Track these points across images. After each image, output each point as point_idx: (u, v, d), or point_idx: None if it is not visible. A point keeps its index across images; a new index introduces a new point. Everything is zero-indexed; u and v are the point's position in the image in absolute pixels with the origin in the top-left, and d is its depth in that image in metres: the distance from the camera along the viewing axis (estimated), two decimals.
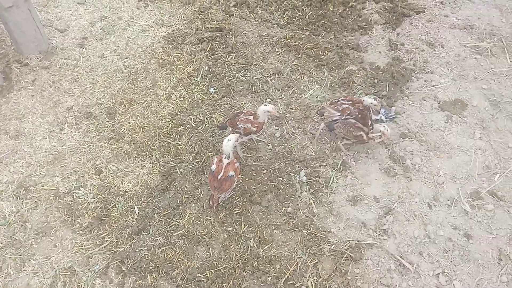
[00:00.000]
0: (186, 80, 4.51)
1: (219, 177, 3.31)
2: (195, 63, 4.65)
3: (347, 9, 5.09)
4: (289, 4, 5.20)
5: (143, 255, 3.33)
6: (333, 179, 3.75)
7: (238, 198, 3.65)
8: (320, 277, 3.21)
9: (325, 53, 4.72)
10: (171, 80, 4.50)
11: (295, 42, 4.82)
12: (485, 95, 4.28)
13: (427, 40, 4.73)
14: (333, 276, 3.22)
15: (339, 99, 3.91)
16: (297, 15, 5.10)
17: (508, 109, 4.15)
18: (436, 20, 4.92)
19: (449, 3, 5.12)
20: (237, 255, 3.33)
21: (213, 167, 3.35)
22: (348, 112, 3.74)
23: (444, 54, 4.61)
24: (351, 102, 3.80)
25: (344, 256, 3.31)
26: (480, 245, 3.36)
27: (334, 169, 3.82)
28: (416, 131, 4.02)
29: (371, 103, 3.70)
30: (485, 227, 3.45)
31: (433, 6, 5.09)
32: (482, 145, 3.92)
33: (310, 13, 5.10)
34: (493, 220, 3.48)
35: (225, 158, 3.35)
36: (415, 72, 4.46)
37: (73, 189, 3.71)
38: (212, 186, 3.35)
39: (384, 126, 3.63)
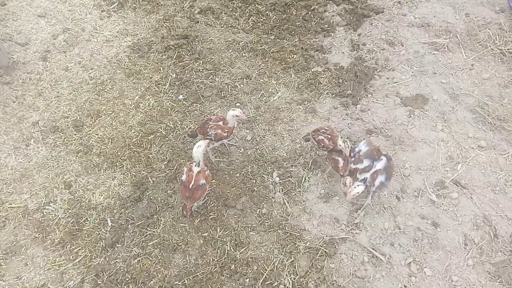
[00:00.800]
0: (154, 88, 4.49)
1: (190, 186, 3.31)
2: (162, 71, 4.65)
3: (310, 12, 5.23)
4: (253, 10, 5.29)
5: (118, 267, 3.28)
6: (305, 178, 3.83)
7: (212, 203, 3.67)
8: (297, 275, 3.27)
9: (291, 56, 4.82)
10: (139, 89, 4.48)
11: (261, 46, 4.90)
12: (444, 89, 4.49)
13: (387, 39, 4.92)
14: (310, 272, 3.29)
15: (321, 129, 3.71)
16: (261, 20, 5.19)
17: (467, 101, 4.37)
18: (395, 19, 5.12)
19: (407, 2, 5.34)
20: (214, 260, 3.34)
21: (183, 177, 3.35)
22: (322, 145, 3.64)
23: (404, 52, 4.80)
24: (329, 136, 3.63)
25: (319, 252, 3.39)
26: (447, 232, 3.51)
27: (305, 168, 3.90)
28: (381, 127, 4.17)
29: (340, 145, 3.50)
30: (451, 215, 3.61)
31: (392, 6, 5.29)
32: (444, 137, 4.10)
33: (274, 17, 5.20)
34: (458, 208, 3.65)
35: (195, 166, 3.35)
36: (377, 71, 4.63)
37: (42, 205, 3.62)
38: (184, 196, 3.35)
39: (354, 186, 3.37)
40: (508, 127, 4.13)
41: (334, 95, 4.45)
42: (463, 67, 4.66)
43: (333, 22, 5.12)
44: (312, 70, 4.67)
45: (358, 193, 3.35)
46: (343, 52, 4.85)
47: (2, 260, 3.31)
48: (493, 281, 3.25)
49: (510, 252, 3.38)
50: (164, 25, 5.11)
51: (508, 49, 4.75)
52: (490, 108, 4.27)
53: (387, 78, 4.57)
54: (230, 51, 4.88)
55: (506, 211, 3.60)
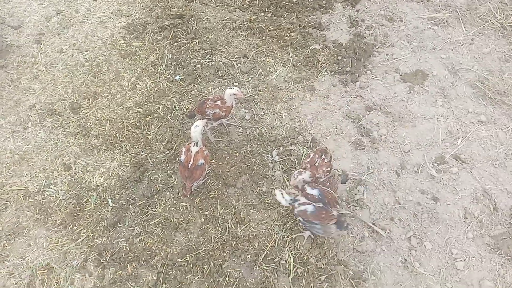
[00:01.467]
0: (151, 69, 4.44)
1: (189, 166, 3.30)
2: (158, 51, 4.58)
3: None
4: None
5: (121, 246, 3.31)
6: (305, 156, 3.82)
7: (213, 182, 3.67)
8: (298, 250, 3.30)
9: (289, 33, 4.75)
10: (135, 71, 4.42)
11: (258, 24, 4.83)
12: (444, 64, 4.44)
13: (386, 14, 4.84)
14: (311, 248, 3.31)
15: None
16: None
17: (466, 76, 4.33)
18: None
19: None
20: (215, 237, 3.36)
21: (182, 157, 3.34)
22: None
23: (403, 27, 4.73)
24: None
25: None
26: (447, 207, 3.53)
27: (304, 146, 3.89)
28: (381, 104, 4.14)
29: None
30: (450, 189, 3.62)
31: None
32: (444, 112, 4.08)
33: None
34: (457, 182, 3.66)
35: (193, 145, 3.34)
36: (376, 47, 4.57)
37: (43, 187, 3.62)
38: (183, 176, 3.35)
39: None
40: (509, 102, 4.10)
41: (333, 73, 4.41)
42: (463, 41, 4.61)
43: None
44: (310, 47, 4.61)
45: (278, 199, 3.09)
46: (342, 29, 4.78)
47: (6, 242, 3.33)
48: (493, 253, 3.29)
49: (510, 224, 3.41)
50: (159, 5, 5.01)
51: (509, 23, 4.68)
52: (490, 82, 4.24)
53: (386, 55, 4.52)
54: (226, 30, 4.81)
55: (506, 185, 3.61)
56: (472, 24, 4.74)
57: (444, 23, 4.76)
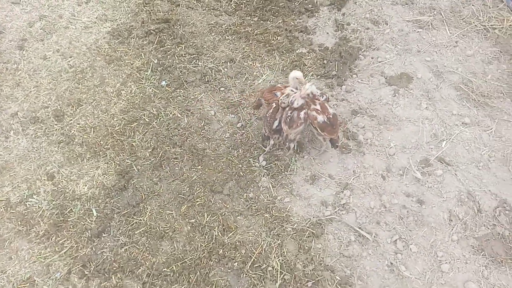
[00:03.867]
0: (136, 75, 4.40)
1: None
2: (143, 56, 4.54)
3: None
4: None
5: (105, 256, 3.27)
6: (291, 161, 3.82)
7: (199, 189, 3.65)
8: (285, 257, 3.29)
9: (275, 37, 4.74)
10: (120, 76, 4.38)
11: (244, 28, 4.81)
12: (429, 66, 4.47)
13: (371, 18, 4.87)
14: (298, 254, 3.31)
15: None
16: (244, 1, 5.08)
17: (451, 78, 4.37)
18: None
19: None
20: (202, 245, 3.34)
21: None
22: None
23: (388, 31, 4.76)
24: None
25: (307, 233, 3.41)
26: (432, 209, 3.56)
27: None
28: (367, 107, 4.16)
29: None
30: (435, 192, 3.65)
31: None
32: (428, 115, 4.11)
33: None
34: (442, 185, 3.68)
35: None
36: (362, 50, 4.59)
37: (25, 197, 3.56)
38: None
39: None
40: (492, 103, 4.15)
41: (319, 77, 4.41)
42: (447, 44, 4.64)
43: (316, 2, 5.03)
44: (297, 51, 4.61)
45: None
46: (328, 33, 4.79)
47: None
48: (477, 255, 3.32)
49: (493, 225, 3.44)
50: (144, 9, 4.97)
51: (491, 25, 4.73)
52: (474, 84, 4.28)
53: (372, 58, 4.53)
54: (212, 34, 4.78)
55: (490, 186, 3.64)
56: (456, 27, 4.78)
57: (429, 25, 4.80)
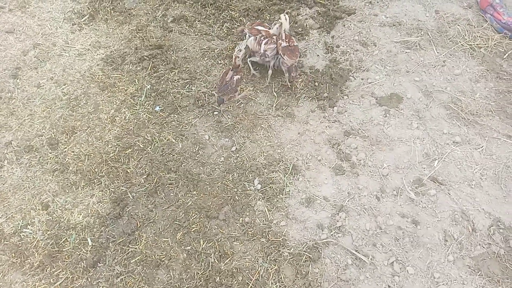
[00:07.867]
0: (130, 101, 4.44)
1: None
2: (137, 82, 4.59)
3: None
4: (227, 16, 5.27)
5: (101, 287, 3.23)
6: (286, 183, 3.84)
7: (194, 215, 3.65)
8: (283, 283, 3.28)
9: None
10: (114, 103, 4.41)
11: None
12: (418, 86, 4.56)
13: (360, 40, 4.97)
14: (295, 279, 3.30)
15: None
16: (235, 26, 5.18)
17: (440, 97, 4.45)
18: (367, 20, 5.18)
19: (377, 2, 5.41)
20: (198, 273, 3.32)
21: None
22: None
23: (377, 52, 4.86)
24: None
25: (303, 257, 3.40)
26: (427, 230, 3.58)
27: (286, 174, 3.91)
28: (358, 128, 4.21)
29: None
30: (430, 212, 3.68)
31: (363, 6, 5.35)
32: (419, 134, 4.17)
33: (248, 23, 5.18)
34: (436, 204, 3.72)
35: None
36: (352, 72, 4.67)
37: (19, 228, 3.54)
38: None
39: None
40: (481, 121, 4.23)
41: (311, 99, 4.48)
42: (435, 64, 4.75)
43: (306, 25, 5.15)
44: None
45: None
46: (318, 55, 4.88)
47: None
48: (473, 275, 3.33)
49: (488, 244, 3.47)
50: (137, 36, 5.05)
51: (477, 44, 4.86)
52: (463, 103, 4.36)
53: (362, 79, 4.62)
54: (205, 59, 4.86)
55: (483, 205, 3.68)
56: (443, 46, 4.90)
57: (417, 46, 4.91)
